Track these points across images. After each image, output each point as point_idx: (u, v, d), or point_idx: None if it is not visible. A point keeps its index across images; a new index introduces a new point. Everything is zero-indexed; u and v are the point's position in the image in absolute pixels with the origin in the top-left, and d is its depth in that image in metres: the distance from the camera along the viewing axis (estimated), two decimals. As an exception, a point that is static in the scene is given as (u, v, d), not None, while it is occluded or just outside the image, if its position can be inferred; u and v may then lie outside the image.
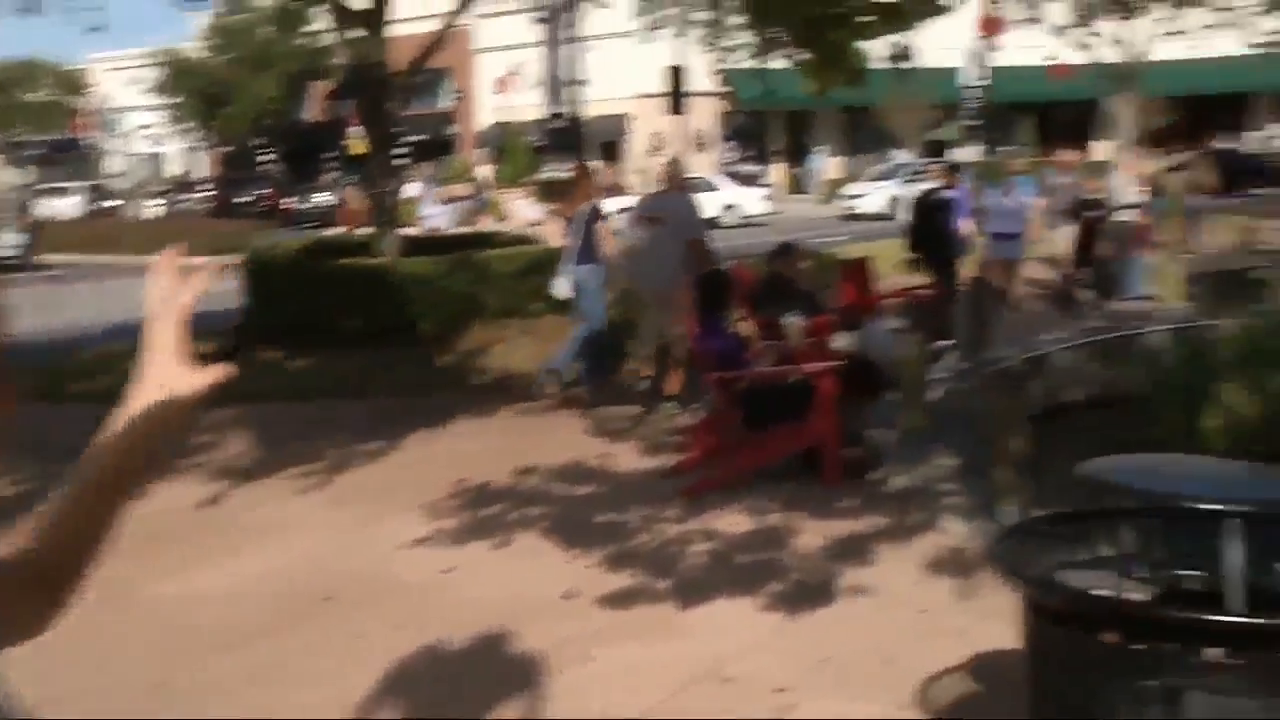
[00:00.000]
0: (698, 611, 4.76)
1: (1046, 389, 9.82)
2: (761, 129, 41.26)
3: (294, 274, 10.38)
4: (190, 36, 41.60)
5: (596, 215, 9.02)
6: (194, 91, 45.02)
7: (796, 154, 40.85)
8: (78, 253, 27.95)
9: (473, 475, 6.97)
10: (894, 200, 25.20)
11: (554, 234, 10.05)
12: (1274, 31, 23.52)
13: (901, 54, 6.41)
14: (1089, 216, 12.62)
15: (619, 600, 4.89)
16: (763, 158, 41.46)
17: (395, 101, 10.89)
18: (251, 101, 37.39)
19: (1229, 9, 23.94)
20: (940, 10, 6.58)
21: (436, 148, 44.40)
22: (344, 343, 9.94)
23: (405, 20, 38.30)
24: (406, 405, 8.96)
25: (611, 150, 40.49)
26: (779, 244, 8.71)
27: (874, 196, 29.24)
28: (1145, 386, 8.71)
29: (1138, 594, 2.11)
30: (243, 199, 35.97)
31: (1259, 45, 24.15)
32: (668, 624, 4.68)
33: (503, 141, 39.60)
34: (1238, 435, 7.96)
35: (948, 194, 11.46)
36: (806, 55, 9.76)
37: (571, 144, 14.71)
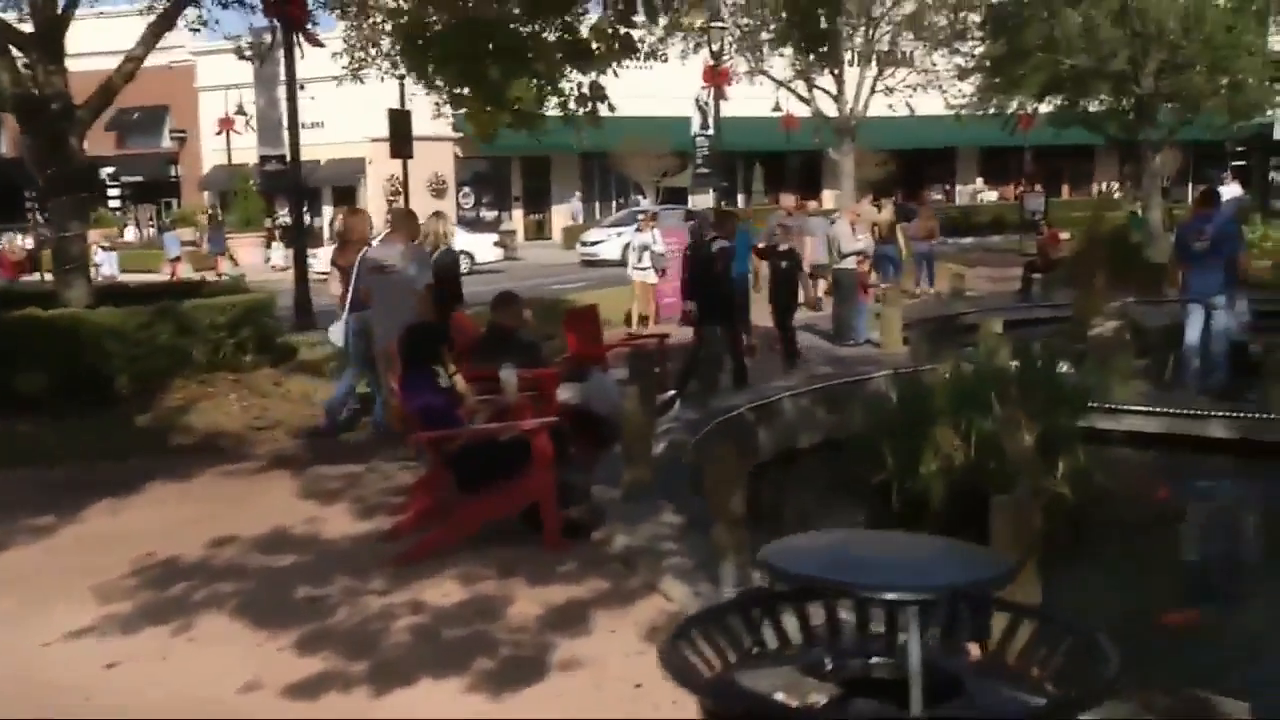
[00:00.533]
0: (396, 698, 4.35)
1: (775, 436, 9.99)
2: (501, 174, 41.17)
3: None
4: None
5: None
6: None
7: (537, 200, 40.97)
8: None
9: (160, 549, 6.30)
10: (627, 247, 25.58)
11: (334, 283, 9.42)
12: (968, 95, 25.54)
13: (598, 95, 6.28)
14: (778, 266, 12.96)
15: (308, 690, 4.41)
16: (502, 204, 41.34)
17: (76, 137, 9.90)
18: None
19: (930, 70, 25.82)
20: (630, 51, 6.52)
21: (157, 189, 41.94)
22: (23, 405, 8.91)
23: (111, 54, 35.90)
24: (94, 473, 8.10)
25: (348, 196, 39.38)
26: (500, 293, 8.43)
27: (612, 243, 29.59)
28: (868, 431, 8.99)
29: (821, 691, 1.91)
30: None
31: (956, 106, 26.15)
32: (360, 715, 4.25)
33: (229, 184, 37.79)
34: (950, 476, 8.29)
35: (722, 243, 11.30)
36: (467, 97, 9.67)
37: (289, 188, 13.94)
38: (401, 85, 15.07)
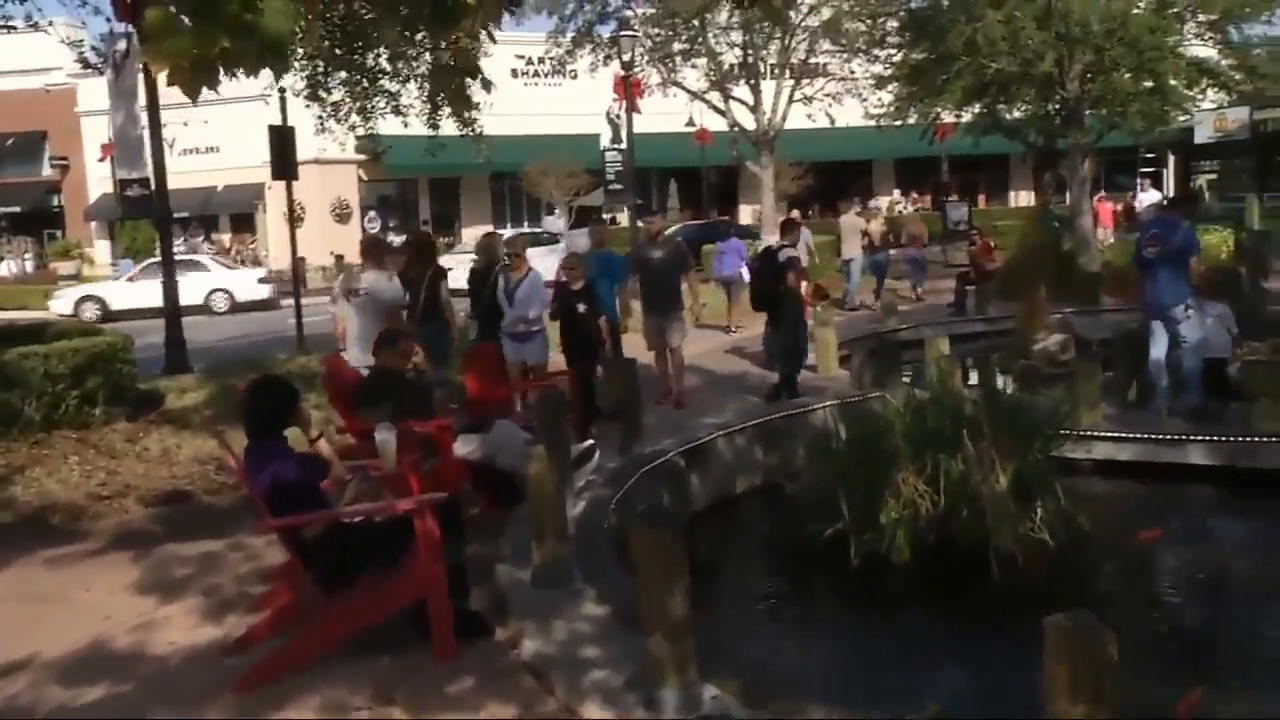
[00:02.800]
0: None
1: (708, 482, 8.76)
2: (407, 197, 39.57)
3: None
4: None
5: (440, 275, 9.39)
6: None
7: (447, 223, 39.43)
8: None
9: (-72, 682, 4.81)
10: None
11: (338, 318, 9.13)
12: (886, 105, 24.71)
13: (468, 67, 5.12)
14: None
15: None
16: (410, 228, 39.68)
17: None
18: None
19: (849, 79, 24.93)
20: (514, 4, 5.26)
21: (39, 220, 39.44)
22: None
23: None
24: None
25: (246, 222, 37.48)
26: (383, 330, 7.08)
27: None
28: (817, 475, 7.81)
29: None
30: None
31: (874, 117, 25.33)
32: None
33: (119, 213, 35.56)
34: (916, 525, 7.13)
35: (790, 252, 10.56)
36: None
37: (151, 214, 12.46)
38: (282, 98, 13.56)
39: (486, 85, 5.26)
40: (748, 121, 25.06)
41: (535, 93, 36.15)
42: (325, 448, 5.36)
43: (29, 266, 37.06)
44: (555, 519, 5.58)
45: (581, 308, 9.48)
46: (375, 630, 4.89)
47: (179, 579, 6.20)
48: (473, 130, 12.46)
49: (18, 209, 38.96)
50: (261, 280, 27.79)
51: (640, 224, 11.92)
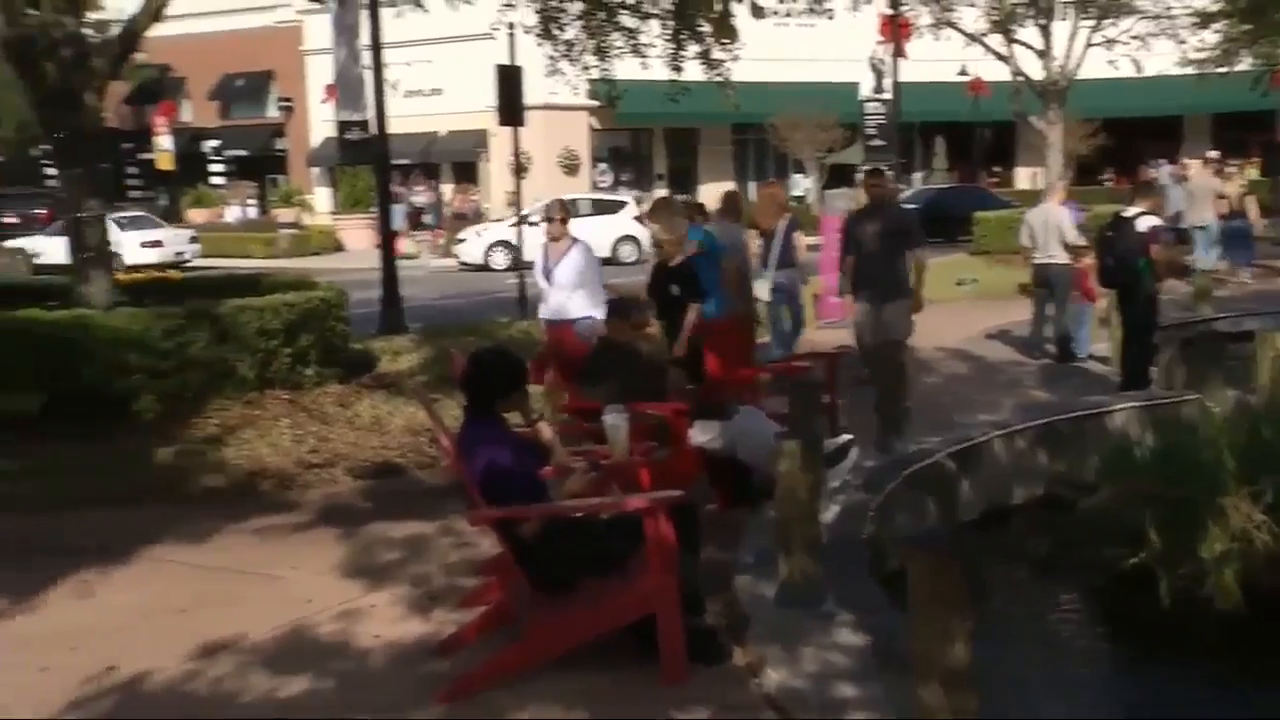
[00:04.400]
0: None
1: (982, 490, 8.26)
2: (642, 149, 39.87)
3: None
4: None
5: (795, 226, 10.32)
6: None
7: (683, 178, 39.52)
8: None
9: (126, 659, 4.99)
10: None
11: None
12: (1210, 47, 22.88)
13: (724, 31, 4.83)
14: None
15: None
16: (643, 182, 40.01)
17: (94, 93, 8.80)
18: (14, 104, 34.33)
19: (1165, 16, 23.24)
20: None
21: (263, 165, 41.95)
22: (13, 430, 7.83)
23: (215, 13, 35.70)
24: (81, 525, 6.92)
25: (468, 172, 38.62)
26: (613, 299, 6.93)
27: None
28: (1116, 491, 7.20)
29: None
30: (8, 219, 32.93)
31: (1194, 62, 23.48)
32: None
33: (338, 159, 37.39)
34: (1249, 564, 6.45)
35: (1151, 220, 9.87)
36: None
37: (370, 159, 12.83)
38: (511, 34, 13.67)
39: (758, 11, 4.97)
40: (1034, 70, 23.81)
41: (785, 34, 35.47)
42: (546, 430, 5.25)
43: (252, 213, 39.41)
44: (806, 528, 5.28)
45: (675, 289, 8.35)
46: (593, 649, 4.74)
47: (385, 564, 6.27)
48: (719, 73, 12.22)
49: (245, 152, 41.52)
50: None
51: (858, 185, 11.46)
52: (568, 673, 4.66)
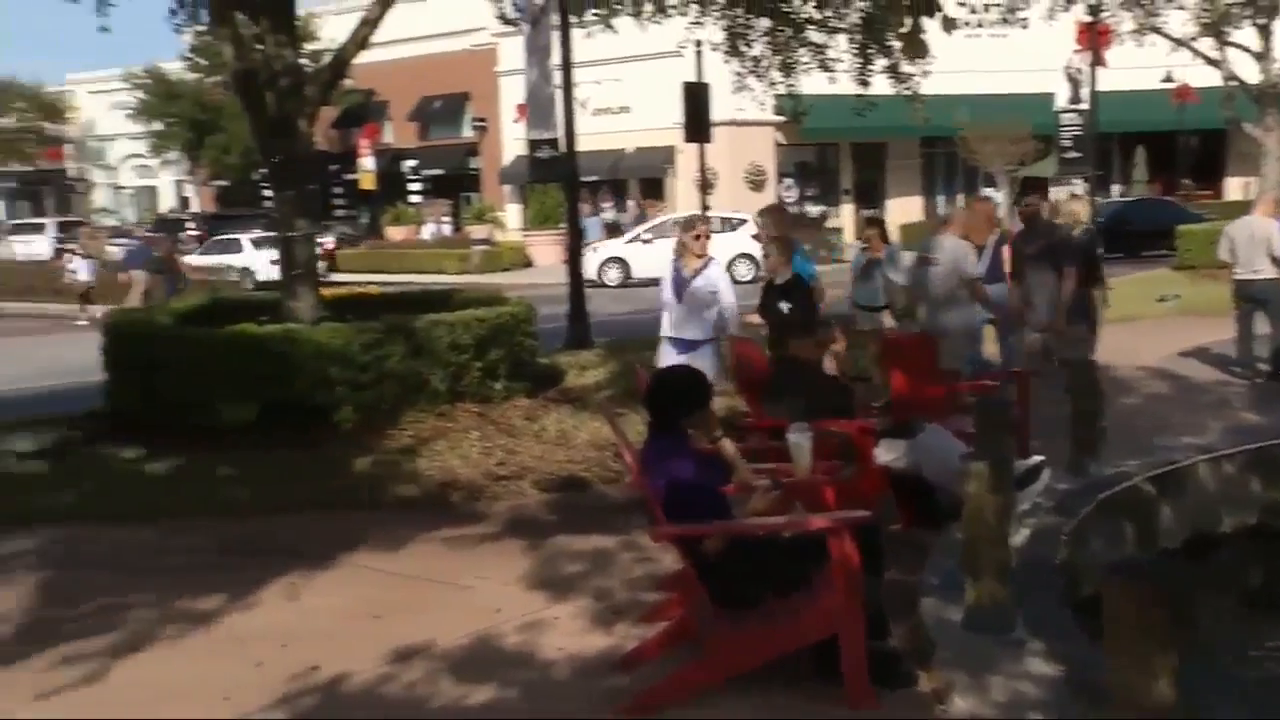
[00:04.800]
0: None
1: (1185, 516, 7.89)
2: (828, 163, 39.53)
3: (166, 344, 8.73)
4: (176, 55, 40.87)
5: (1003, 241, 10.04)
6: (179, 118, 44.30)
7: (869, 192, 39.01)
8: (30, 300, 27.08)
9: (328, 660, 5.19)
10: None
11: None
12: None
13: (915, 49, 4.73)
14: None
15: None
16: (829, 197, 39.68)
17: (305, 119, 9.26)
18: (242, 133, 36.32)
19: None
20: None
21: (457, 183, 43.27)
22: (229, 438, 8.26)
23: (417, 39, 36.95)
24: (288, 530, 7.25)
25: (655, 188, 38.97)
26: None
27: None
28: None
29: None
30: (231, 238, 34.75)
31: None
32: None
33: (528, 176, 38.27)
34: None
35: None
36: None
37: (560, 176, 13.15)
38: (698, 51, 13.78)
39: (949, 24, 4.88)
40: (1249, 73, 22.65)
41: (976, 45, 34.69)
42: (729, 448, 5.24)
43: (447, 230, 40.67)
44: (995, 551, 5.14)
45: (786, 306, 8.20)
46: (773, 667, 4.71)
47: (569, 576, 6.35)
48: (908, 87, 12.03)
49: (441, 171, 42.97)
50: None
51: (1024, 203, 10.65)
52: (749, 691, 4.65)
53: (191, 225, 37.74)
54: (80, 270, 24.00)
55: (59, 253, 36.66)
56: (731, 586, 4.66)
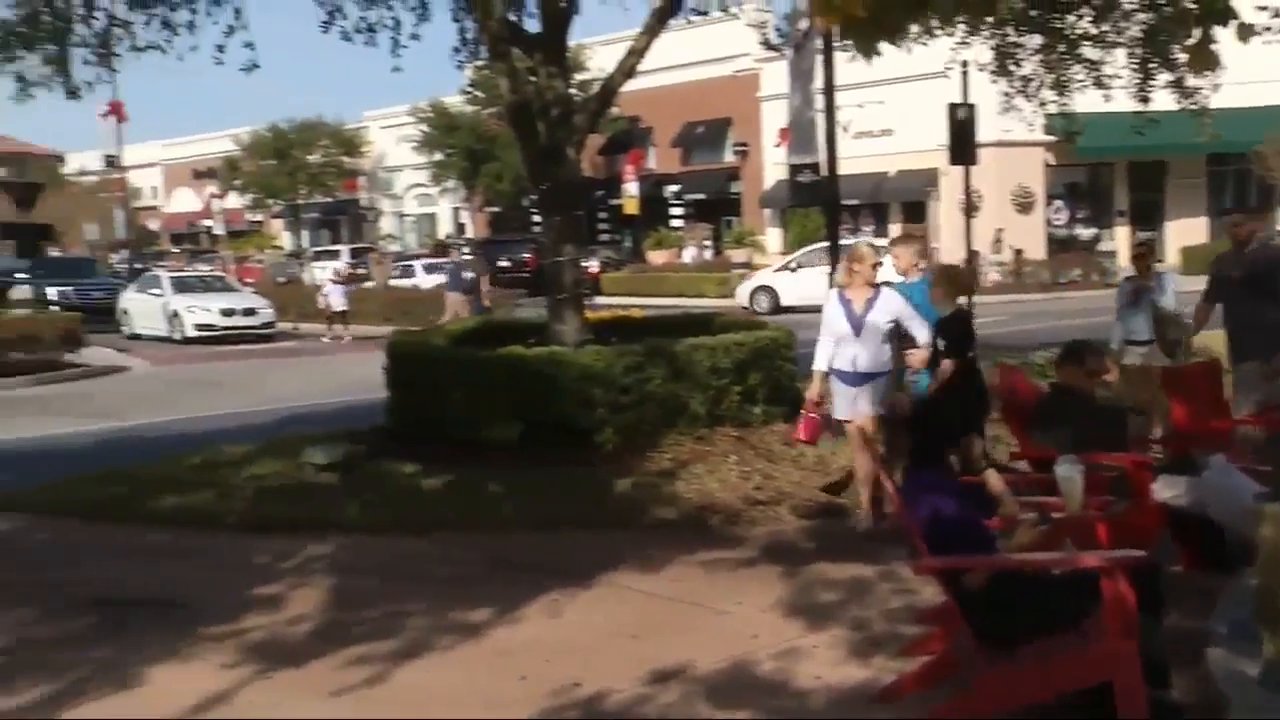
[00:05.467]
0: None
1: None
2: (1101, 184, 37.77)
3: (440, 364, 9.15)
4: (457, 90, 42.97)
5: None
6: (457, 148, 46.59)
7: (1147, 214, 37.03)
8: (318, 321, 28.67)
9: (589, 678, 5.30)
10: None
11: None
12: None
13: (1203, 61, 4.33)
14: None
15: None
16: (1101, 219, 37.90)
17: (573, 148, 9.54)
18: (514, 161, 37.88)
19: None
20: None
21: (718, 207, 43.72)
22: (496, 455, 8.57)
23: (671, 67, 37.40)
24: (551, 548, 7.45)
25: (917, 212, 38.24)
26: (1069, 343, 6.59)
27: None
28: None
29: None
30: (502, 264, 36.20)
31: None
32: None
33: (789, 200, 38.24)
34: None
35: None
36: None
37: (821, 200, 13.09)
38: (964, 72, 13.44)
39: (1245, 32, 4.54)
40: None
41: (1274, 53, 32.53)
42: (994, 480, 5.06)
43: (708, 254, 41.13)
44: (1292, 601, 4.74)
45: (941, 343, 7.69)
46: (1039, 706, 4.49)
47: (826, 604, 6.27)
48: (1194, 101, 11.37)
49: (702, 196, 43.55)
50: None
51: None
52: (1011, 736, 4.45)
53: (466, 250, 39.48)
54: (332, 294, 26.03)
55: (351, 277, 39.05)
56: (996, 624, 4.48)
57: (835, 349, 7.72)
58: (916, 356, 7.62)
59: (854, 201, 34.42)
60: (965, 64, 13.22)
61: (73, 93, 10.82)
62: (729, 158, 43.92)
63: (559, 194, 9.63)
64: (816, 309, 8.52)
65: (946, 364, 7.54)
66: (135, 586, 7.00)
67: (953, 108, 14.31)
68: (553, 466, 8.46)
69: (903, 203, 38.73)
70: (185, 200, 68.28)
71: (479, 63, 13.09)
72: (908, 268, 7.99)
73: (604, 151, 44.53)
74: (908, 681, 5.03)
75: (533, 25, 10.20)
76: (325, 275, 28.91)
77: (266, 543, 7.65)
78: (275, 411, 14.35)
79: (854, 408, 7.68)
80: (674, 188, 43.50)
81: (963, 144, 14.06)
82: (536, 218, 29.71)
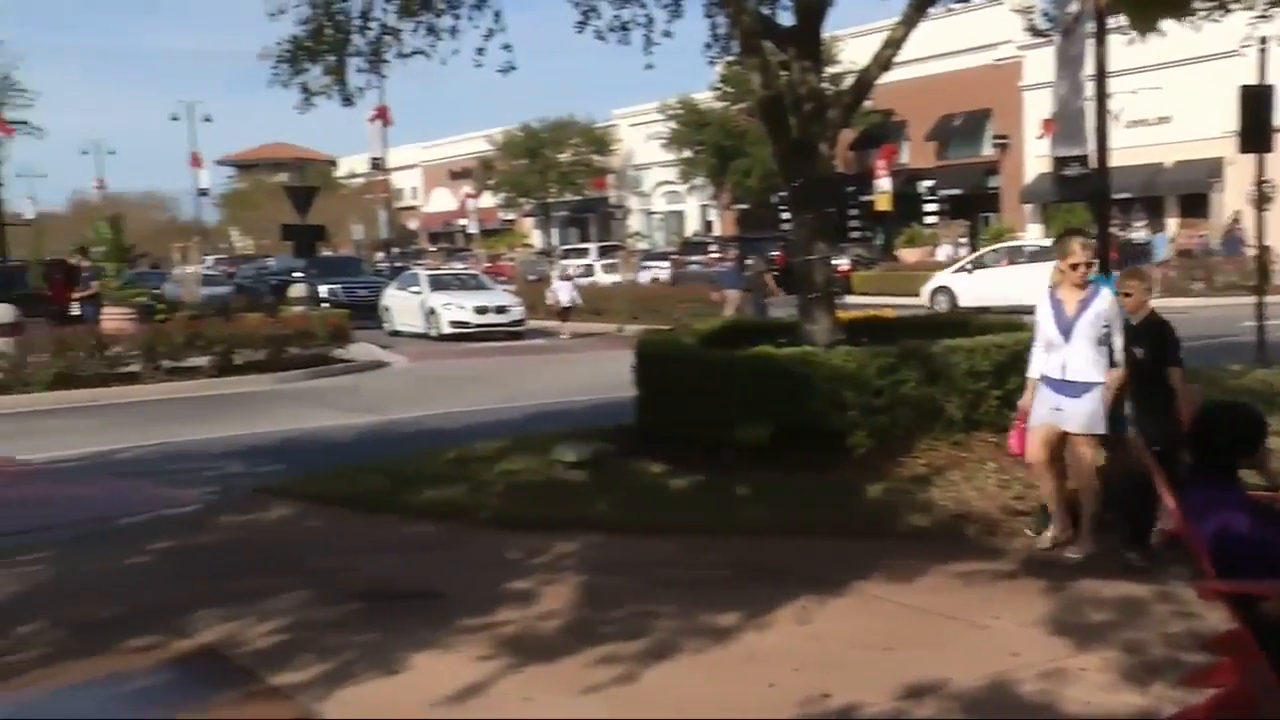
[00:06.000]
0: None
1: None
2: None
3: (689, 364, 9.20)
4: (706, 86, 43.33)
5: None
6: (706, 145, 46.96)
7: None
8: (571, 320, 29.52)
9: (839, 688, 5.22)
10: None
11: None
12: None
13: None
14: None
15: None
16: None
17: (826, 143, 9.42)
18: (764, 157, 37.90)
19: None
20: None
21: (974, 203, 42.51)
22: (745, 457, 8.57)
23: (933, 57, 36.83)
24: (799, 554, 7.39)
25: (1197, 204, 36.15)
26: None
27: None
28: None
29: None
30: (749, 262, 36.27)
31: None
32: None
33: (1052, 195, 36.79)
34: None
35: None
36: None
37: (1088, 195, 12.42)
38: (1262, 50, 12.55)
39: None
40: None
41: None
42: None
43: (963, 251, 40.06)
44: None
45: (1139, 352, 7.09)
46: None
47: (1095, 624, 5.99)
48: None
49: (958, 191, 42.43)
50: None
51: None
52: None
53: (713, 248, 39.74)
54: (560, 291, 27.72)
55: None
56: (1291, 655, 4.15)
57: (1046, 355, 7.26)
58: (1113, 377, 7.12)
59: (1125, 195, 32.82)
60: (1264, 40, 12.40)
61: (348, 100, 11.53)
62: (987, 151, 42.65)
63: (810, 190, 9.54)
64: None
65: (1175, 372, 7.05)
66: (397, 576, 7.35)
67: (1246, 90, 13.40)
68: (802, 470, 8.40)
69: (1180, 195, 36.69)
70: (442, 200, 71.52)
71: (730, 58, 13.14)
72: (1137, 306, 7.35)
73: (856, 146, 44.01)
74: (1194, 713, 4.72)
75: (786, 19, 10.17)
76: (558, 273, 30.52)
77: (517, 538, 7.89)
78: (525, 408, 14.82)
79: (1051, 417, 7.17)
80: (928, 183, 42.55)
81: (1257, 129, 13.14)
82: (786, 215, 29.68)
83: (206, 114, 68.80)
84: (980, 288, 26.41)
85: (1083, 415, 7.08)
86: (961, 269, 29.55)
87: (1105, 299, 7.15)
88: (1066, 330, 7.10)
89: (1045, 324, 7.25)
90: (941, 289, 28.65)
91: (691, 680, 5.46)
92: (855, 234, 43.28)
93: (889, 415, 8.74)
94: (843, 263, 32.29)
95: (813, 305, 9.57)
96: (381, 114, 41.54)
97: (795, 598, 6.50)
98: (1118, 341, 7.14)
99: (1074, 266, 7.10)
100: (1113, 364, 7.14)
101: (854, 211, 43.97)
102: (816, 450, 8.53)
